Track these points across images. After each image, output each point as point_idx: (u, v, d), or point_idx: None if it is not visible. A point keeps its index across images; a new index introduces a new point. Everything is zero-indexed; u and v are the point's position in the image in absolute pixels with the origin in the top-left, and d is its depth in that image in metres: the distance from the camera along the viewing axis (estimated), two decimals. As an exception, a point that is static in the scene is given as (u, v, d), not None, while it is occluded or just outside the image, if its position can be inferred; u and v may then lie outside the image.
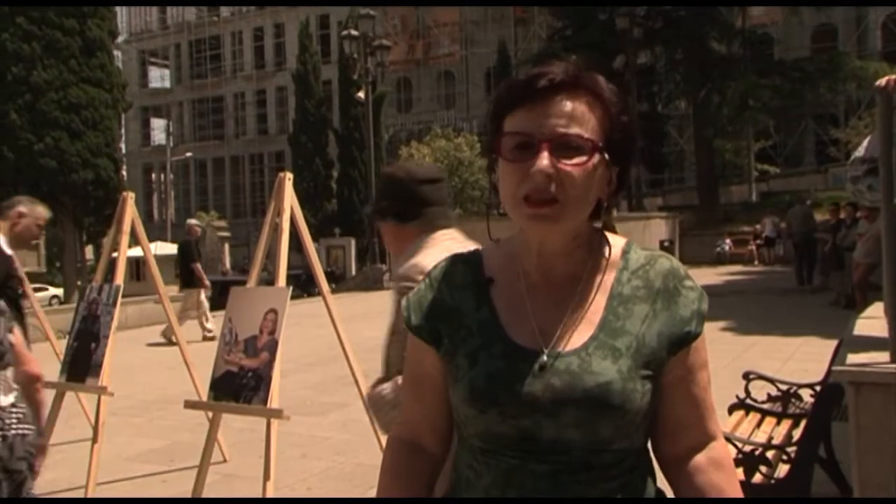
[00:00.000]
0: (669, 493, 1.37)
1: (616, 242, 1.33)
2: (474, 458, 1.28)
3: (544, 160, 1.17)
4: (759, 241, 24.45)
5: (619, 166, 1.26)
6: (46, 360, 7.62)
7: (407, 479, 1.38)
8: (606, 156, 1.21)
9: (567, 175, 1.18)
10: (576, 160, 1.18)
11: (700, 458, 1.28)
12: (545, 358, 1.23)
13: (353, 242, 26.89)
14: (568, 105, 1.20)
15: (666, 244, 21.45)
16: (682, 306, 1.27)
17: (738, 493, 1.29)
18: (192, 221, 13.73)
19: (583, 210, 1.22)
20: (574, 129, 1.19)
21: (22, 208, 4.65)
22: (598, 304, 1.27)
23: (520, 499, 1.22)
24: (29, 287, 7.02)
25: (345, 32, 22.97)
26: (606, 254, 1.31)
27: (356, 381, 4.69)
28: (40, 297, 22.56)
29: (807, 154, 40.27)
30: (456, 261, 1.38)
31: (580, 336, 1.25)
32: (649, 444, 1.32)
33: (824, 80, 27.08)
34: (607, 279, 1.29)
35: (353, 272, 24.49)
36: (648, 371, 1.24)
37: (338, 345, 4.69)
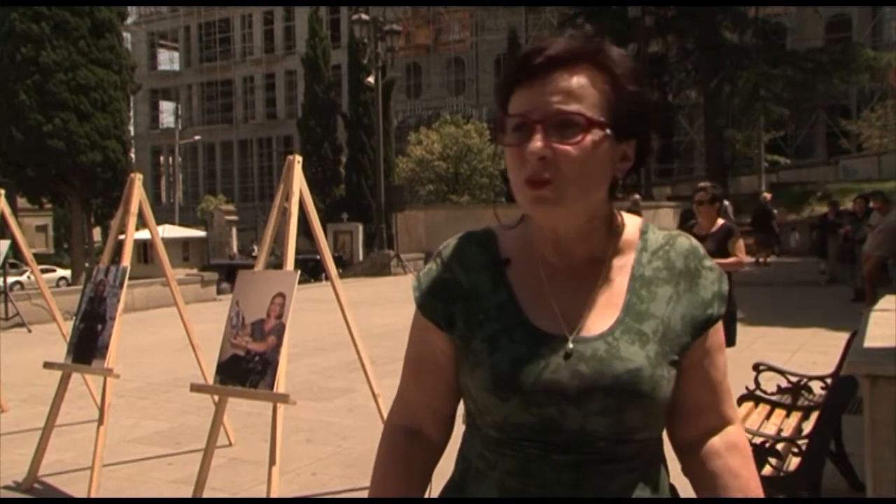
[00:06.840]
0: (681, 482, 1.34)
1: (632, 222, 1.29)
2: (486, 448, 1.23)
3: (537, 142, 1.13)
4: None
5: (633, 139, 1.20)
6: (53, 341, 7.68)
7: (405, 466, 1.32)
8: (609, 131, 1.15)
9: (563, 155, 1.13)
10: (572, 139, 1.13)
11: (715, 442, 1.25)
12: (571, 344, 1.18)
13: (360, 228, 26.80)
14: (566, 81, 1.15)
15: (674, 234, 21.39)
16: (703, 288, 1.24)
17: (754, 477, 1.26)
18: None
19: (587, 190, 1.16)
20: (571, 106, 1.14)
21: None
22: (619, 287, 1.23)
23: (529, 499, 1.18)
24: (37, 268, 7.04)
25: (355, 17, 22.83)
26: (624, 234, 1.27)
27: (363, 367, 4.69)
28: (48, 278, 22.63)
29: (818, 145, 40.01)
30: (468, 239, 1.32)
31: (605, 320, 1.20)
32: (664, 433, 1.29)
33: (837, 71, 26.73)
34: (627, 261, 1.25)
35: (361, 258, 24.44)
36: (673, 356, 1.20)
37: (345, 330, 4.68)
